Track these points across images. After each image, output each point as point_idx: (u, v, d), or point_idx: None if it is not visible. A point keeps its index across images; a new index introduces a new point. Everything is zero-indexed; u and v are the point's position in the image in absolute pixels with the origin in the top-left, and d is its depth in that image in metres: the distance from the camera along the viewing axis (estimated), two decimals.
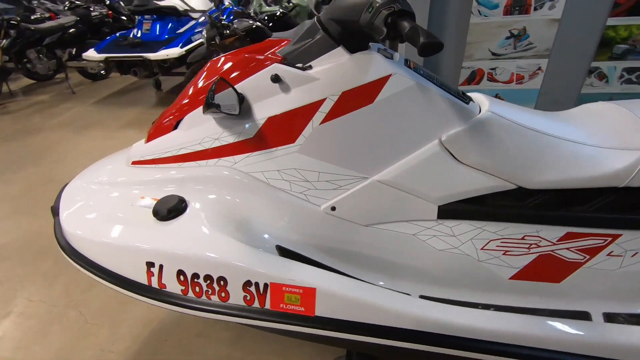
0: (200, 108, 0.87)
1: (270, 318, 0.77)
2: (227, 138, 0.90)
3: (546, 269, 0.86)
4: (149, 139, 1.02)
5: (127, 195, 0.95)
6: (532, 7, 1.92)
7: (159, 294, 0.81)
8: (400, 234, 0.88)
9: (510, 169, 0.80)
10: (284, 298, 0.76)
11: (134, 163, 1.02)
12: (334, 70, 0.80)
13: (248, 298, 0.78)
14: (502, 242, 0.84)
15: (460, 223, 0.86)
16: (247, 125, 0.88)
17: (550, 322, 0.73)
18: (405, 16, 0.66)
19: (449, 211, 0.85)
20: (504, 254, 0.86)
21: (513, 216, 0.84)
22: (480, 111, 0.82)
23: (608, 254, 0.82)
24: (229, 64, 0.94)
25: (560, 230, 0.82)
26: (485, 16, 2.02)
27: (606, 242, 0.81)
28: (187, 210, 0.86)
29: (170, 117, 0.99)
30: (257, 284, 0.77)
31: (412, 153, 0.82)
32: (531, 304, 0.87)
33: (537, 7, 1.92)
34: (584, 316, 0.83)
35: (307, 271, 0.78)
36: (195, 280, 0.79)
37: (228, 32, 3.41)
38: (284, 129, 0.86)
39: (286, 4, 5.76)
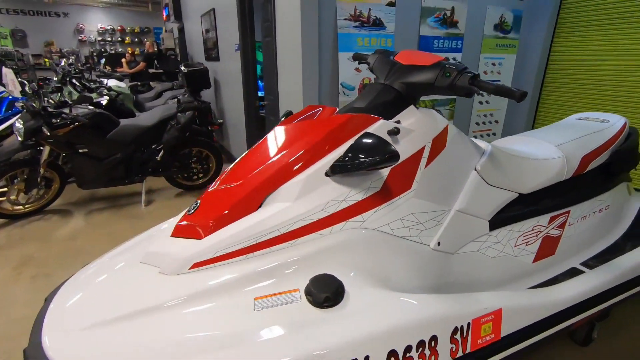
0: (308, 174, 0.84)
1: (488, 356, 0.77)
2: (355, 196, 0.86)
3: (547, 246, 1.21)
4: (209, 232, 0.83)
5: (237, 300, 0.74)
6: None
7: None
8: (472, 253, 1.05)
9: (513, 182, 1.13)
10: (480, 332, 0.77)
11: (195, 266, 0.80)
12: (421, 122, 0.96)
13: (454, 349, 0.74)
14: (523, 236, 1.13)
15: (500, 231, 1.11)
16: (374, 180, 0.88)
17: (572, 283, 1.05)
18: (477, 77, 0.91)
19: (493, 223, 1.09)
20: (526, 245, 1.16)
21: (525, 214, 1.16)
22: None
23: (570, 225, 1.25)
24: (322, 128, 0.92)
25: (547, 216, 1.20)
26: (348, 95, 2.57)
27: (566, 217, 1.23)
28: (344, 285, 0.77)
29: (240, 199, 0.85)
30: (461, 328, 0.75)
31: (465, 182, 1.03)
32: (546, 276, 1.19)
33: None
34: (575, 271, 1.20)
35: (487, 296, 0.85)
36: (408, 355, 0.70)
37: (59, 121, 2.86)
38: (402, 177, 0.92)
39: (106, 91, 5.31)
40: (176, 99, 3.07)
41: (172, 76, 6.07)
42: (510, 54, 3.34)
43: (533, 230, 1.19)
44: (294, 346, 0.67)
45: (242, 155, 1.07)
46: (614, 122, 1.42)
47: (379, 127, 0.92)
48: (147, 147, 2.98)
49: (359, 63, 1.34)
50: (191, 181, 3.40)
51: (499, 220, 1.11)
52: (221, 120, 3.31)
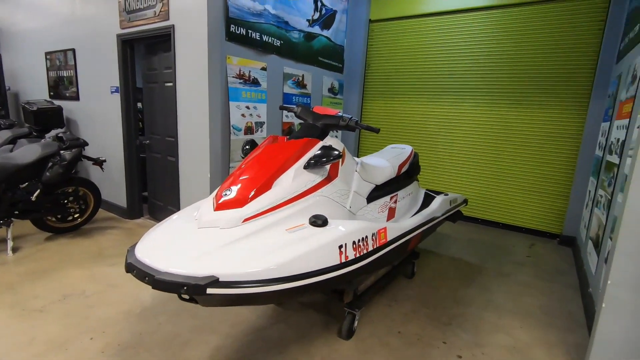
0: (295, 169, 1.56)
1: (383, 248, 1.66)
2: (318, 179, 1.61)
3: (391, 213, 2.22)
4: (246, 202, 1.43)
5: (276, 231, 1.38)
6: (255, 130, 3.38)
7: (344, 264, 1.38)
8: (361, 215, 1.93)
9: (373, 178, 2.08)
10: (380, 236, 1.64)
11: (246, 220, 1.38)
12: (336, 143, 1.79)
13: (372, 244, 1.59)
14: (380, 207, 2.08)
15: (370, 205, 2.02)
16: (324, 171, 1.67)
17: (408, 220, 2.07)
18: (358, 121, 1.80)
19: (367, 200, 2.01)
20: (382, 212, 2.09)
21: (379, 195, 2.13)
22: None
23: (399, 202, 2.29)
24: (292, 146, 1.67)
25: (389, 196, 2.21)
26: (237, 135, 3.24)
27: (397, 197, 2.25)
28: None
29: (262, 183, 1.50)
30: (373, 234, 1.60)
31: (354, 177, 1.92)
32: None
33: (257, 129, 3.40)
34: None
35: (381, 223, 1.75)
36: (359, 243, 1.48)
37: None
38: (334, 170, 1.72)
39: None
40: (56, 136, 2.95)
41: None
42: (340, 109, 4.77)
43: (384, 204, 2.20)
44: (316, 240, 1.37)
45: (246, 160, 1.67)
46: (407, 149, 2.67)
47: (322, 144, 1.74)
48: (18, 187, 2.74)
49: (287, 111, 2.12)
50: (65, 222, 3.18)
51: (369, 198, 2.06)
52: (104, 158, 3.28)
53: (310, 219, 1.49)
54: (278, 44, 3.60)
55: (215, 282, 1.12)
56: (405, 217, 2.42)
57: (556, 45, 3.66)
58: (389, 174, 2.27)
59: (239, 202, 1.45)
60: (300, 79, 4.03)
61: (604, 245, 2.21)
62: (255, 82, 3.41)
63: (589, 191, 3.28)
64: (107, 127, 3.83)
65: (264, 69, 3.48)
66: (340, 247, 1.43)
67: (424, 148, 4.57)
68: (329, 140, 1.82)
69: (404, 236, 1.96)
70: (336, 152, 1.62)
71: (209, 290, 1.11)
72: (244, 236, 1.34)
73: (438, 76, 4.35)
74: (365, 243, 1.57)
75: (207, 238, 1.32)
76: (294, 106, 2.02)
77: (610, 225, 2.12)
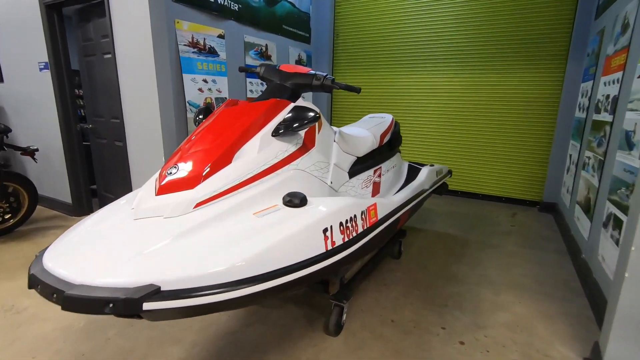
0: (261, 136, 1.24)
1: (375, 228, 1.41)
2: (291, 149, 1.30)
3: (376, 188, 1.96)
4: (198, 182, 1.09)
5: (241, 216, 1.07)
6: (215, 107, 2.99)
7: (332, 252, 1.11)
8: (343, 192, 1.66)
9: (353, 150, 1.80)
10: (370, 215, 1.37)
11: (199, 205, 1.04)
12: (312, 106, 1.47)
13: (362, 225, 1.33)
14: (363, 182, 1.81)
15: (353, 180, 1.75)
16: (298, 139, 1.36)
17: (398, 195, 1.82)
18: (334, 80, 1.50)
19: (350, 175, 1.73)
20: (366, 187, 1.83)
21: (362, 169, 1.86)
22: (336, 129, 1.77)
23: (383, 175, 2.04)
24: (257, 109, 1.33)
25: (372, 170, 1.95)
26: (194, 112, 2.84)
27: (380, 170, 1.98)
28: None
29: (219, 157, 1.15)
30: (363, 212, 1.35)
31: (332, 148, 1.62)
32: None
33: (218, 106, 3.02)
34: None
35: (370, 200, 1.50)
36: (347, 224, 1.20)
37: None
38: (310, 138, 1.41)
39: None
40: None
41: None
42: None
43: (368, 178, 1.93)
44: (295, 224, 1.06)
45: (197, 130, 1.32)
46: (387, 118, 2.40)
47: (294, 105, 1.41)
48: None
49: (247, 74, 1.76)
50: None
51: (351, 172, 1.79)
52: (35, 147, 2.78)
53: (284, 198, 1.20)
54: (236, 7, 3.18)
55: (155, 292, 0.81)
56: (390, 192, 2.17)
57: (529, 6, 3.49)
58: (370, 144, 2.00)
59: (188, 182, 1.10)
60: (264, 49, 3.63)
61: (598, 209, 2.08)
62: (212, 52, 3.00)
63: (570, 155, 3.19)
64: (39, 111, 3.28)
65: (221, 36, 3.07)
66: (325, 230, 1.14)
67: (399, 119, 4.34)
68: (301, 102, 1.51)
69: (395, 212, 1.72)
70: (312, 114, 1.32)
71: (147, 306, 0.79)
72: (196, 226, 1.01)
73: (410, 44, 4.10)
74: (354, 224, 1.29)
75: (146, 232, 0.98)
76: (256, 67, 1.67)
77: (606, 186, 1.98)
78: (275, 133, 1.30)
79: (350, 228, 1.27)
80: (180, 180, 1.11)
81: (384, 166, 2.14)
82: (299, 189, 1.31)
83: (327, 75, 1.53)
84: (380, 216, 1.53)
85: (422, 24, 3.99)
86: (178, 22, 2.65)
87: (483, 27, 3.72)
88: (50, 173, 3.41)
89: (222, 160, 1.18)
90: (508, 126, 3.79)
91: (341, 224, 1.22)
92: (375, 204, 1.50)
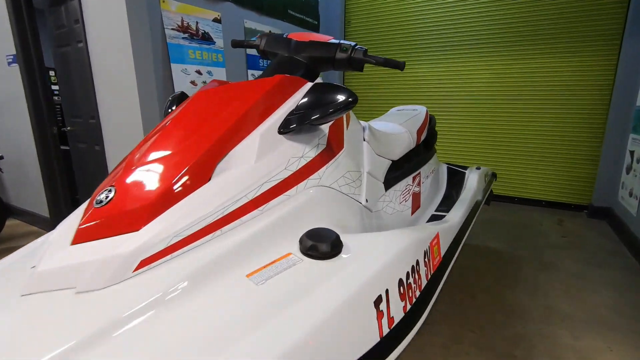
0: (262, 133, 0.76)
1: (441, 275, 0.93)
2: (310, 153, 0.84)
3: (416, 201, 1.48)
4: (149, 217, 0.60)
5: (226, 282, 0.59)
6: None
7: (390, 338, 0.66)
8: (380, 211, 1.18)
9: (388, 152, 1.33)
10: (433, 254, 0.92)
11: (144, 264, 0.56)
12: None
13: (426, 272, 0.86)
14: (402, 194, 1.34)
15: (389, 192, 1.27)
16: (320, 138, 0.90)
17: (432, 227, 1.32)
18: (369, 54, 1.02)
19: (386, 184, 1.26)
20: (405, 201, 1.37)
21: (399, 176, 1.38)
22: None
23: (423, 182, 1.57)
24: (254, 89, 0.84)
25: (411, 177, 1.48)
26: None
27: (420, 176, 1.52)
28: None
29: (189, 170, 0.67)
30: (426, 251, 0.87)
31: (362, 149, 1.16)
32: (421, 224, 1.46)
33: None
34: (438, 217, 1.48)
35: (425, 227, 1.03)
36: (408, 280, 0.75)
37: None
38: (337, 136, 0.94)
39: None
40: None
41: None
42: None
43: (406, 189, 1.45)
44: (327, 298, 0.59)
45: (159, 126, 0.85)
46: (421, 110, 1.92)
47: (314, 84, 0.92)
48: None
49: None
50: None
51: (386, 182, 1.31)
52: (0, 154, 2.37)
53: (302, 241, 0.73)
54: None
55: None
56: (432, 205, 1.70)
57: None
58: (407, 143, 1.53)
59: (128, 218, 0.62)
60: None
61: None
62: (206, 39, 2.55)
63: (632, 152, 2.68)
64: (8, 112, 2.86)
65: (217, 20, 2.62)
66: (378, 301, 0.67)
67: None
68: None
69: (458, 241, 1.24)
70: (344, 97, 0.83)
71: None
72: (138, 310, 0.53)
73: (432, 30, 3.61)
74: (417, 277, 0.82)
75: (34, 328, 0.51)
76: (254, 39, 1.20)
77: None
78: (284, 128, 0.82)
79: (413, 286, 0.79)
80: (113, 215, 0.62)
81: (423, 171, 1.66)
82: (324, 219, 0.83)
83: (356, 45, 1.06)
84: (443, 251, 1.06)
85: (448, 6, 3.50)
86: (164, 1, 2.21)
87: (517, 6, 3.22)
88: (26, 183, 2.99)
89: (194, 175, 0.68)
90: (547, 119, 3.28)
91: (400, 282, 0.74)
92: (437, 236, 1.02)
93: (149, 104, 2.12)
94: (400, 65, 1.06)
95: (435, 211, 1.66)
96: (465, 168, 2.11)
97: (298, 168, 0.81)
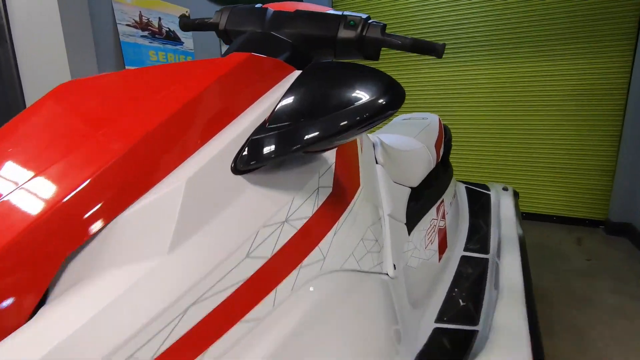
0: (191, 176, 0.36)
1: None
2: (303, 208, 0.42)
3: (443, 240, 1.10)
4: None
5: None
6: None
7: None
8: (404, 269, 0.81)
9: (406, 177, 0.97)
10: None
11: None
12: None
13: None
14: (427, 234, 0.97)
15: (413, 234, 0.89)
16: (322, 172, 0.49)
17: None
18: (385, 31, 0.63)
19: (408, 221, 0.88)
20: (431, 244, 1.00)
21: (422, 210, 1.00)
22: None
23: (447, 213, 1.19)
24: (184, 81, 0.42)
25: (434, 208, 1.09)
26: None
27: (443, 205, 1.16)
28: None
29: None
30: None
31: (375, 177, 0.78)
32: (451, 273, 1.12)
33: None
34: (468, 259, 1.13)
35: None
36: None
37: None
38: (348, 169, 0.55)
39: None
40: None
41: None
42: None
43: (431, 225, 1.08)
44: None
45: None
46: (431, 119, 1.56)
47: (307, 70, 0.50)
48: None
49: (199, 30, 0.88)
50: None
51: (409, 221, 0.94)
52: None
53: None
54: None
55: None
56: (457, 242, 1.33)
57: None
58: (427, 162, 1.17)
59: None
60: None
61: None
62: (172, 38, 2.16)
63: None
64: None
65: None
66: None
67: None
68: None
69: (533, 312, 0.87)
70: (374, 91, 0.40)
71: None
72: None
73: (433, 32, 3.31)
74: None
75: None
76: (217, 11, 0.81)
77: None
78: (248, 162, 0.40)
79: None
80: None
81: (446, 198, 1.29)
82: (343, 351, 0.44)
83: (369, 18, 0.67)
84: None
85: (448, 6, 3.21)
86: None
87: (524, 6, 2.95)
88: None
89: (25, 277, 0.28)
90: (558, 126, 3.00)
91: None
92: None
93: None
94: (437, 50, 0.68)
95: (466, 250, 1.29)
96: (486, 187, 1.75)
97: (277, 248, 0.40)
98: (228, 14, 0.75)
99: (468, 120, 3.31)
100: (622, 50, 2.72)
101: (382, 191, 0.80)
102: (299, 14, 0.67)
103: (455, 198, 1.47)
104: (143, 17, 1.97)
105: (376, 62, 0.65)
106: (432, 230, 1.08)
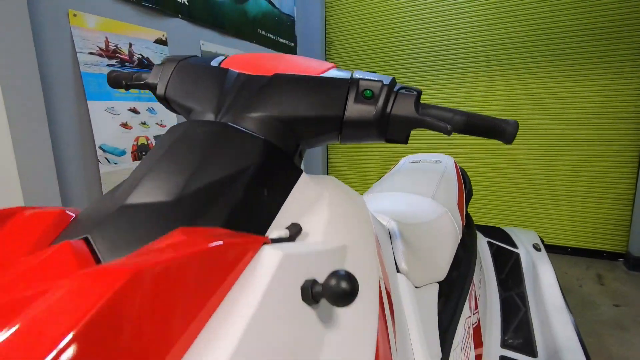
0: None
1: None
2: None
3: (478, 341, 0.82)
4: None
5: None
6: None
7: None
8: None
9: (431, 270, 0.71)
10: None
11: None
12: (339, 207, 0.49)
13: None
14: (462, 342, 0.70)
15: (450, 355, 0.61)
16: None
17: None
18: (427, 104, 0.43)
19: (441, 337, 0.67)
20: (466, 348, 0.71)
21: (454, 311, 0.74)
22: None
23: (477, 300, 0.90)
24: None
25: (466, 300, 0.80)
26: (116, 164, 1.72)
27: (473, 289, 0.89)
28: None
29: None
30: None
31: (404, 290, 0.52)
32: None
33: None
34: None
35: None
36: None
37: None
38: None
39: None
40: None
41: None
42: None
43: (466, 330, 0.81)
44: None
45: None
46: (446, 162, 1.32)
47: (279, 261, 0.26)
48: None
49: (127, 89, 0.61)
50: None
51: (442, 338, 0.67)
52: None
53: None
54: (184, 0, 2.11)
55: None
56: (492, 333, 1.06)
57: None
58: (454, 236, 0.91)
59: None
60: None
61: None
62: (145, 66, 1.90)
63: None
64: None
65: (161, 42, 1.98)
66: None
67: (419, 148, 3.31)
68: (308, 198, 0.38)
69: None
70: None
71: None
72: None
73: (430, 50, 3.11)
74: None
75: None
76: (157, 66, 0.55)
77: None
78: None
79: None
80: None
81: (476, 277, 1.02)
82: None
83: (394, 82, 0.42)
84: None
85: (444, 23, 3.02)
86: (75, 15, 1.56)
87: (524, 22, 2.76)
88: None
89: None
90: (570, 151, 2.79)
91: None
92: None
93: (40, 157, 1.41)
94: (505, 132, 0.43)
95: (504, 346, 1.02)
96: (509, 238, 1.49)
97: None
98: (171, 72, 0.49)
99: (471, 146, 3.09)
100: (632, 65, 2.53)
101: (412, 313, 0.54)
102: (281, 80, 0.41)
103: (482, 268, 1.20)
104: (110, 44, 1.71)
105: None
106: (467, 334, 0.81)
